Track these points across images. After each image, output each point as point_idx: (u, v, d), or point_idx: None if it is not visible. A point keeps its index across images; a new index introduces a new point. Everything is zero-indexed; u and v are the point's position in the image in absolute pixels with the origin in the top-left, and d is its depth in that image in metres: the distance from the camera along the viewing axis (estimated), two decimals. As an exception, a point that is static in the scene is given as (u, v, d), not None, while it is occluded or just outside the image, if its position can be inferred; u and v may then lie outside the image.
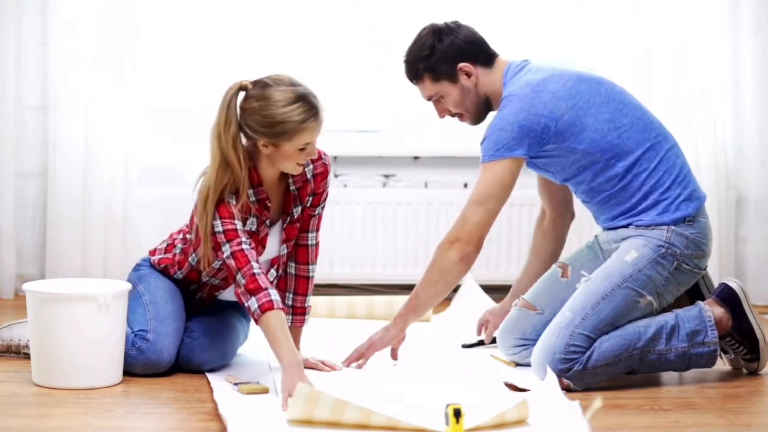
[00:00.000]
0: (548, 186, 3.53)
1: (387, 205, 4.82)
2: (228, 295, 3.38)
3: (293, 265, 3.36)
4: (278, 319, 3.01)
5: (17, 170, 4.64)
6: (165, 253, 3.39)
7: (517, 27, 4.86)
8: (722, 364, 3.42)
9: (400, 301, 4.21)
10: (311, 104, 3.10)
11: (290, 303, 3.37)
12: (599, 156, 3.21)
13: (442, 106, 3.33)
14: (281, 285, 3.37)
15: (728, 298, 3.31)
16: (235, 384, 3.08)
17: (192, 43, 4.76)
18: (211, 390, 3.06)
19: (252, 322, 3.43)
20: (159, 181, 4.70)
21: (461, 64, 3.26)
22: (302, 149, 3.10)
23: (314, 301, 4.17)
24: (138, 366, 3.21)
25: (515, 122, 3.17)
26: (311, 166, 3.27)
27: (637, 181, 3.21)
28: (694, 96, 4.71)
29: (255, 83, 3.11)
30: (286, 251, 3.30)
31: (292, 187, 3.25)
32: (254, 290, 3.03)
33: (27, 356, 3.36)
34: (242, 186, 3.11)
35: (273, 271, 3.31)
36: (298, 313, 3.37)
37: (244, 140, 3.14)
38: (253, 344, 3.49)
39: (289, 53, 4.81)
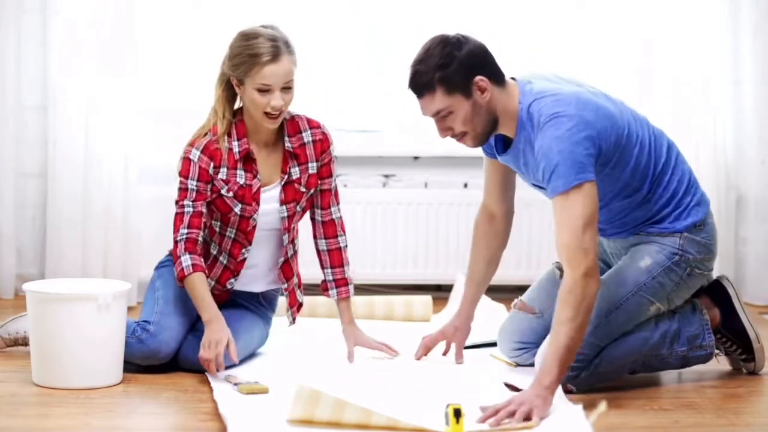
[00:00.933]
0: (504, 179, 3.38)
1: (387, 205, 4.82)
2: (240, 285, 3.41)
3: (323, 241, 3.44)
4: (196, 281, 3.22)
5: (17, 170, 4.64)
6: None
7: (517, 27, 4.86)
8: (723, 364, 3.42)
9: (400, 301, 4.22)
10: (275, 45, 3.22)
11: (330, 278, 3.44)
12: (630, 180, 3.13)
13: (447, 123, 3.05)
14: (320, 263, 3.45)
15: (719, 295, 3.32)
16: (235, 384, 3.08)
17: (192, 43, 4.76)
18: (211, 390, 3.06)
19: (271, 327, 3.53)
20: (159, 181, 4.69)
21: (477, 78, 3.00)
22: (262, 92, 3.20)
23: (314, 302, 4.17)
24: (136, 355, 3.23)
25: (580, 143, 2.95)
26: (309, 131, 3.37)
27: (655, 197, 3.17)
28: (694, 96, 4.71)
29: None
30: (286, 213, 3.34)
31: (288, 145, 3.33)
32: (174, 257, 3.26)
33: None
34: (223, 127, 3.27)
35: (285, 237, 3.37)
36: (340, 285, 3.44)
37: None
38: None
39: (289, 53, 4.81)
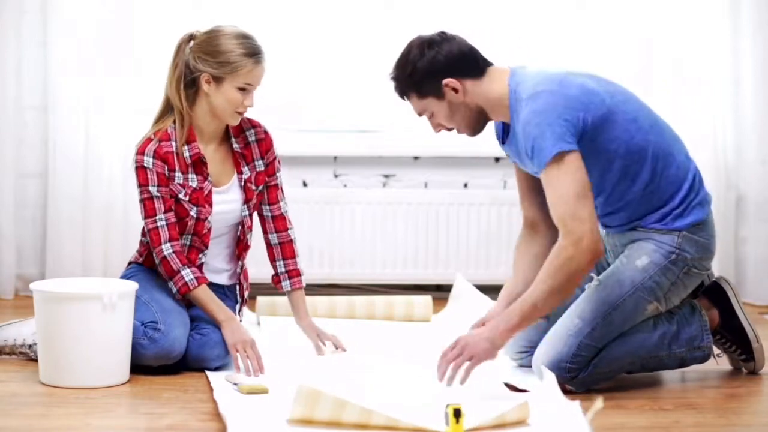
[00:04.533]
0: (534, 183, 3.26)
1: (387, 205, 4.82)
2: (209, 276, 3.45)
3: (274, 235, 3.53)
4: (201, 292, 3.27)
5: (17, 170, 4.64)
6: (141, 247, 3.47)
7: (518, 27, 4.86)
8: (724, 364, 3.41)
9: (400, 301, 4.22)
10: (257, 46, 3.31)
11: (283, 270, 3.54)
12: (628, 158, 3.11)
13: (434, 121, 3.19)
14: (270, 257, 3.54)
15: (717, 296, 3.32)
16: (235, 384, 3.08)
17: (192, 43, 4.75)
18: (211, 390, 3.06)
19: (238, 316, 3.53)
20: (159, 181, 4.69)
21: (446, 80, 3.09)
22: (242, 90, 3.27)
23: (314, 301, 4.17)
24: (149, 356, 3.22)
25: (559, 115, 2.99)
26: (252, 131, 3.46)
27: (660, 188, 3.15)
28: (694, 96, 4.71)
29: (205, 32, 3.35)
30: (248, 212, 3.44)
31: (236, 146, 3.41)
32: (169, 273, 3.28)
33: (25, 356, 3.36)
34: (183, 127, 3.30)
35: (249, 235, 3.47)
36: (293, 276, 3.54)
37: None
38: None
39: (289, 53, 4.82)
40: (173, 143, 3.32)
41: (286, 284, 3.54)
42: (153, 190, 3.29)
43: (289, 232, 3.54)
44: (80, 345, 3.09)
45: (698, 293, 3.34)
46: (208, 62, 3.28)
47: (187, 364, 3.28)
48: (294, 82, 4.79)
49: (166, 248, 3.28)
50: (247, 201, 3.43)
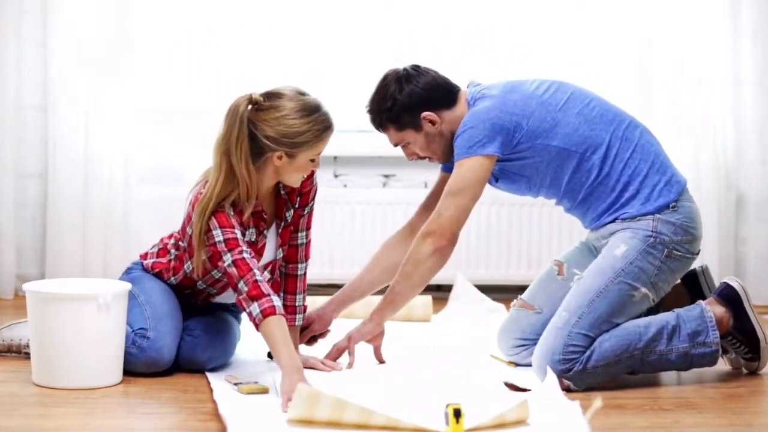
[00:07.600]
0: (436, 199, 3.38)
1: (387, 205, 4.82)
2: (222, 299, 3.39)
3: (283, 264, 3.36)
4: (279, 324, 2.99)
5: (17, 170, 4.64)
6: (158, 258, 3.38)
7: (517, 27, 4.85)
8: (722, 364, 3.42)
9: (400, 301, 4.22)
10: (326, 114, 3.15)
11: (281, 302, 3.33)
12: (574, 150, 3.22)
13: (409, 150, 3.33)
14: (273, 288, 3.34)
15: (729, 297, 3.31)
16: (235, 384, 3.08)
17: (192, 43, 4.75)
18: (211, 390, 3.06)
19: (243, 322, 3.45)
20: (159, 181, 4.69)
21: (424, 113, 3.26)
22: (313, 160, 3.14)
23: (314, 301, 4.16)
24: (139, 364, 3.21)
25: (486, 120, 3.19)
26: None
27: (615, 173, 3.22)
28: (694, 96, 4.71)
29: (265, 96, 3.11)
30: (282, 255, 3.32)
31: (283, 192, 3.26)
32: (256, 296, 3.01)
33: (28, 356, 3.36)
34: (249, 201, 3.12)
35: (267, 274, 3.29)
36: (289, 312, 3.35)
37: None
38: (252, 344, 3.48)
39: (289, 54, 4.82)
40: (243, 213, 3.13)
41: None
42: (237, 232, 3.08)
43: (299, 265, 3.35)
44: (75, 346, 3.08)
45: (702, 294, 3.36)
46: (282, 143, 3.07)
47: (180, 366, 3.27)
48: (293, 82, 4.78)
49: (257, 273, 3.03)
50: (282, 245, 3.29)
